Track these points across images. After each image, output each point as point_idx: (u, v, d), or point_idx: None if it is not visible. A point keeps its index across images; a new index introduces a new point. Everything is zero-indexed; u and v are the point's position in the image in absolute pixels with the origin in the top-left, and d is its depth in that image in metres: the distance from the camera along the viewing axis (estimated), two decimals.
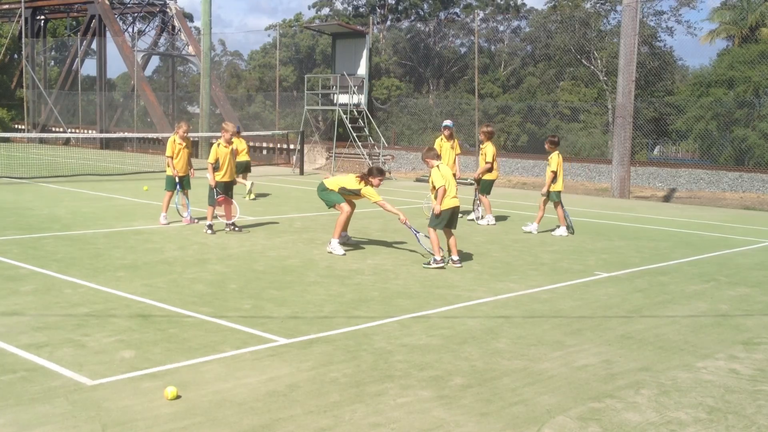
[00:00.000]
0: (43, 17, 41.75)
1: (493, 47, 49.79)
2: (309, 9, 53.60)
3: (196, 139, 29.14)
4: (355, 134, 26.10)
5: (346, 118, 26.42)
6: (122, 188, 18.01)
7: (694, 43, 46.35)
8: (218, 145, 11.73)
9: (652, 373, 5.63)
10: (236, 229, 11.79)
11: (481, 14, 48.51)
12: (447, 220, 9.51)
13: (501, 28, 50.76)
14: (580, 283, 8.77)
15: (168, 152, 12.25)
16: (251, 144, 30.89)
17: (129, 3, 40.50)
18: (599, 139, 35.41)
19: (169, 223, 12.27)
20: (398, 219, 10.17)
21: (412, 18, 51.96)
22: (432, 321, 6.91)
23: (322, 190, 10.53)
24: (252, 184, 16.72)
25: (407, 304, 7.48)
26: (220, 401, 4.84)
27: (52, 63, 50.47)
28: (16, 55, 42.12)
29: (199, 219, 12.58)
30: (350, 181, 10.36)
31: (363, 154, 26.33)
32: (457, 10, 52.46)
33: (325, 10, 52.68)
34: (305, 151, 27.09)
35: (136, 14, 40.81)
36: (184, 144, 12.38)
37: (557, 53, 40.56)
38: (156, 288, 7.84)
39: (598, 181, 23.44)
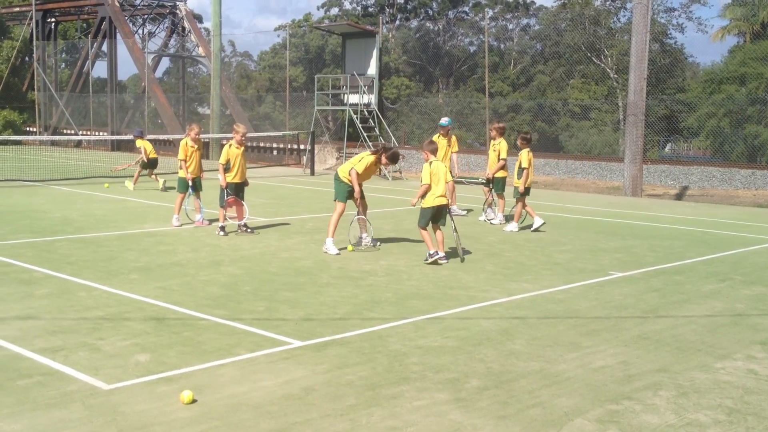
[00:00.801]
0: (53, 20, 41.92)
1: (502, 45, 49.69)
2: (318, 9, 53.70)
3: (207, 140, 29.18)
4: (365, 134, 26.08)
5: (357, 118, 26.42)
6: (134, 191, 18.03)
7: (705, 40, 46.16)
8: (229, 146, 11.73)
9: (670, 374, 5.59)
10: (248, 230, 11.79)
11: (491, 12, 48.42)
12: (433, 217, 9.69)
13: (510, 27, 50.67)
14: (595, 283, 8.72)
15: (181, 155, 12.26)
16: (261, 145, 30.97)
17: (139, 5, 40.63)
18: (610, 137, 35.27)
19: (181, 225, 12.29)
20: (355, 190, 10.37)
21: (421, 17, 51.92)
22: (446, 322, 6.88)
23: (336, 178, 10.60)
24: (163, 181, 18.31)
25: (421, 305, 7.46)
26: (236, 405, 4.83)
27: (63, 65, 50.73)
28: (27, 58, 42.30)
29: (212, 221, 12.59)
30: (358, 159, 10.51)
31: None
32: (466, 8, 52.39)
33: (334, 10, 52.72)
34: (315, 151, 27.09)
35: (146, 16, 40.94)
36: (196, 146, 12.40)
37: (567, 51, 40.42)
38: (170, 290, 7.84)
39: (610, 179, 23.33)
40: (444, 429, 4.54)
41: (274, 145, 31.15)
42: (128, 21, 37.94)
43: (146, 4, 40.91)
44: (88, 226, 12.13)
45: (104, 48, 38.66)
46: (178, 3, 39.00)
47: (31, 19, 39.68)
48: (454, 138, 14.66)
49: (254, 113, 41.55)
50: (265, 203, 15.98)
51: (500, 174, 13.50)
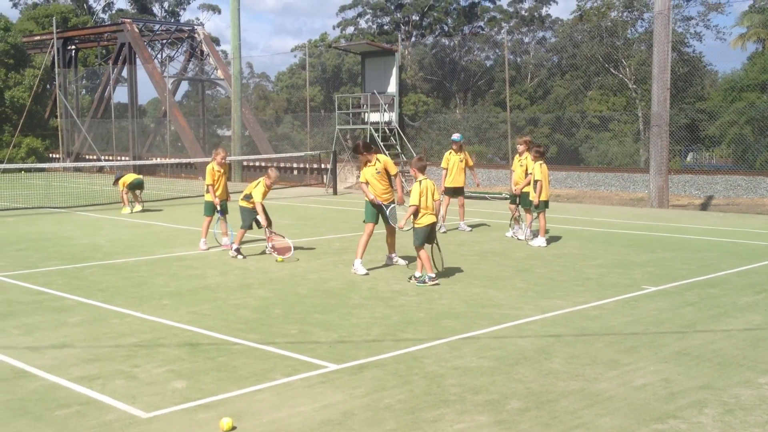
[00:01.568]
0: (74, 47, 42.45)
1: (518, 59, 49.68)
2: (334, 29, 54.07)
3: (229, 162, 29.30)
4: (387, 152, 26.09)
5: (378, 136, 26.45)
6: (160, 215, 18.13)
7: (724, 48, 45.79)
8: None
9: (714, 391, 5.48)
10: (235, 252, 11.67)
11: (506, 27, 48.48)
12: (427, 237, 9.57)
13: (526, 40, 50.68)
14: (629, 297, 8.61)
15: (208, 180, 12.27)
16: (282, 165, 31.06)
17: (158, 30, 41.08)
18: (630, 148, 35.05)
19: (208, 249, 12.32)
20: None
21: (437, 33, 52.07)
22: (481, 342, 6.81)
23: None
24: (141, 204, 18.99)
25: (455, 325, 7.39)
26: (276, 431, 4.79)
27: (84, 92, 51.28)
28: (48, 86, 42.82)
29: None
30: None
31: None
32: (481, 23, 52.50)
33: (350, 29, 53.02)
34: (337, 170, 27.14)
35: (164, 41, 41.36)
36: (222, 170, 12.45)
37: (584, 63, 40.32)
38: (202, 315, 7.84)
39: (633, 191, 23.14)
40: None
41: (294, 165, 31.25)
42: (147, 46, 38.33)
43: (165, 29, 41.38)
44: (117, 252, 12.19)
45: (124, 73, 39.06)
46: (196, 27, 39.40)
47: (52, 47, 40.20)
48: (466, 153, 14.79)
49: (273, 134, 41.75)
50: (290, 224, 15.98)
51: (528, 189, 13.36)
